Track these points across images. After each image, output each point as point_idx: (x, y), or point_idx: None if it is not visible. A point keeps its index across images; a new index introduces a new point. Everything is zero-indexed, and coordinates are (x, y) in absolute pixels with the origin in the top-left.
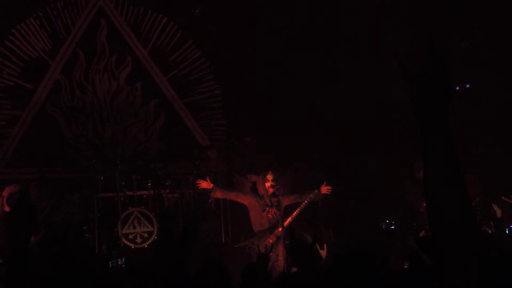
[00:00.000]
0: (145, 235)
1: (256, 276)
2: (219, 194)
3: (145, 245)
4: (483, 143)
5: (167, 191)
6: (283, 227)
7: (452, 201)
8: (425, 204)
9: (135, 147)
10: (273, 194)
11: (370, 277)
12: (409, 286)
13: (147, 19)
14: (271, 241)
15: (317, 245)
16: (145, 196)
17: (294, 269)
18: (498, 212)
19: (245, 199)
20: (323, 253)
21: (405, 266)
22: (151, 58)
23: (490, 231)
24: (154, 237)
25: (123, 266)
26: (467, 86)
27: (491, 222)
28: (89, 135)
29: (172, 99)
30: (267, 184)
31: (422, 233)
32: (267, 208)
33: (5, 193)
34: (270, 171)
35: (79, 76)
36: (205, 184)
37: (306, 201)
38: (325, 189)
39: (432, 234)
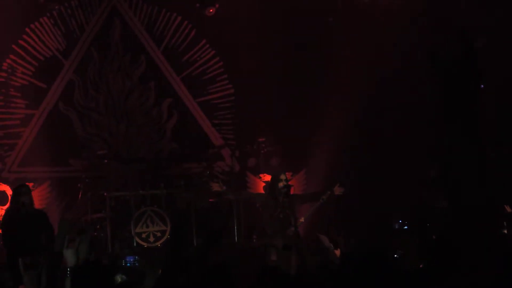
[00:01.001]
0: (158, 234)
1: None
2: (231, 196)
3: (158, 244)
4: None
5: (180, 190)
6: (295, 227)
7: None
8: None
9: (148, 146)
10: (285, 194)
11: (379, 276)
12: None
13: (161, 19)
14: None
15: (331, 244)
16: (158, 195)
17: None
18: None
19: (257, 200)
20: (338, 252)
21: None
22: (165, 57)
23: (505, 231)
24: (167, 236)
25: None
26: (482, 86)
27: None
28: (102, 134)
29: (185, 98)
30: (280, 184)
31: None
32: (279, 209)
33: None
34: (282, 171)
35: (92, 75)
36: (217, 187)
37: (319, 202)
38: (338, 190)
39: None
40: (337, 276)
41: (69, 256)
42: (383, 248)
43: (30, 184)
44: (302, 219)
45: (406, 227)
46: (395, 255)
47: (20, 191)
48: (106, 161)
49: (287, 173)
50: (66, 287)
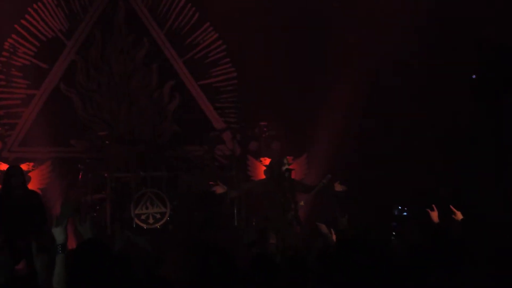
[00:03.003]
0: (158, 216)
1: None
2: (235, 194)
3: (158, 225)
4: None
5: (181, 173)
6: (296, 211)
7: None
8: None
9: (149, 129)
10: (287, 178)
11: (373, 262)
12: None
13: (164, 1)
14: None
15: (332, 230)
16: (158, 177)
17: None
18: None
19: (259, 189)
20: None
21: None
22: (168, 40)
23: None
24: (166, 218)
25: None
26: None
27: None
28: (103, 116)
29: (188, 81)
30: (282, 168)
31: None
32: (280, 192)
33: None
34: (285, 155)
35: (95, 57)
36: (220, 189)
37: (319, 186)
38: (339, 187)
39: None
40: (334, 260)
41: (58, 234)
42: (382, 233)
43: (30, 164)
44: (302, 203)
45: (405, 213)
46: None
47: (11, 172)
48: (107, 142)
49: (288, 157)
50: (57, 264)
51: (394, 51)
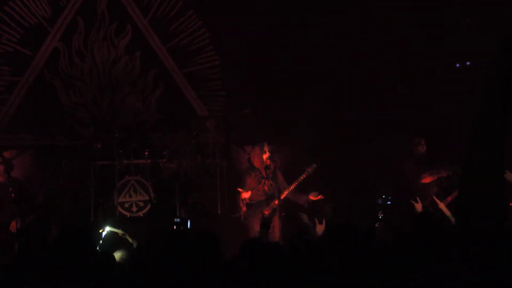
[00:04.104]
0: (141, 204)
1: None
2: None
3: (141, 214)
4: None
5: (164, 160)
6: (279, 199)
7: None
8: (422, 181)
9: (133, 116)
10: (269, 166)
11: (359, 249)
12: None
13: None
14: (266, 213)
15: (316, 219)
16: (142, 165)
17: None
18: None
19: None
20: (321, 227)
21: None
22: (151, 27)
23: None
24: (150, 206)
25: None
26: (468, 63)
27: None
28: (87, 103)
29: (171, 69)
30: (265, 156)
31: (419, 206)
32: (263, 180)
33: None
34: (266, 143)
35: (78, 44)
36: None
37: (304, 175)
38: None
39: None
40: (318, 248)
41: None
42: (365, 221)
43: (13, 152)
44: (286, 192)
45: (389, 202)
46: (375, 227)
47: None
48: (91, 129)
49: (271, 145)
50: None
51: (378, 37)
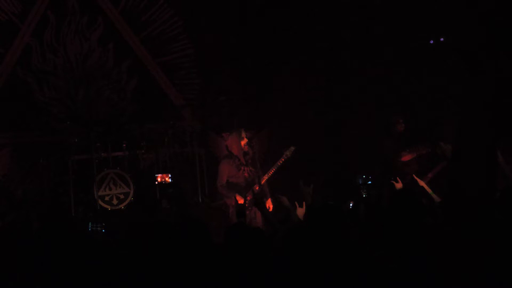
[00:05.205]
0: (121, 196)
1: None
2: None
3: (122, 206)
4: None
5: (142, 151)
6: (260, 184)
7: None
8: (402, 159)
9: (109, 108)
10: (247, 153)
11: (341, 228)
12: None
13: None
14: (248, 198)
15: (296, 203)
16: (120, 157)
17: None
18: None
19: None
20: (302, 210)
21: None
22: (123, 18)
23: None
24: (130, 198)
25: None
26: (441, 39)
27: None
28: (62, 98)
29: (145, 59)
30: (243, 142)
31: (399, 185)
32: (243, 167)
33: None
34: (243, 129)
35: (50, 39)
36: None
37: (282, 159)
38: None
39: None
40: (302, 231)
41: None
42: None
43: None
44: (266, 177)
45: (370, 182)
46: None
47: None
48: (67, 123)
49: (249, 131)
50: None
51: (358, 21)
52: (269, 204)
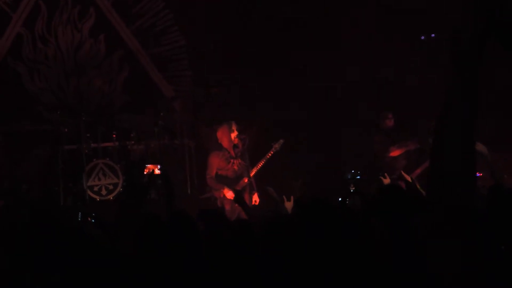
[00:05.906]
0: (110, 187)
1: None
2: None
3: (111, 197)
4: None
5: (132, 142)
6: (249, 177)
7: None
8: (390, 154)
9: (99, 99)
10: (237, 145)
11: (331, 223)
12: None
13: None
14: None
15: (284, 196)
16: (110, 148)
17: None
18: None
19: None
20: (290, 204)
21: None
22: (115, 9)
23: None
24: (119, 188)
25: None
26: (432, 35)
27: None
28: (52, 88)
29: (136, 50)
30: (233, 135)
31: (387, 181)
32: (232, 160)
33: None
34: (234, 122)
35: (41, 29)
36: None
37: (271, 152)
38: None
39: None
40: (288, 225)
41: None
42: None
43: None
44: (255, 170)
45: (359, 177)
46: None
47: None
48: (57, 113)
49: (239, 124)
50: None
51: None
52: (256, 198)
